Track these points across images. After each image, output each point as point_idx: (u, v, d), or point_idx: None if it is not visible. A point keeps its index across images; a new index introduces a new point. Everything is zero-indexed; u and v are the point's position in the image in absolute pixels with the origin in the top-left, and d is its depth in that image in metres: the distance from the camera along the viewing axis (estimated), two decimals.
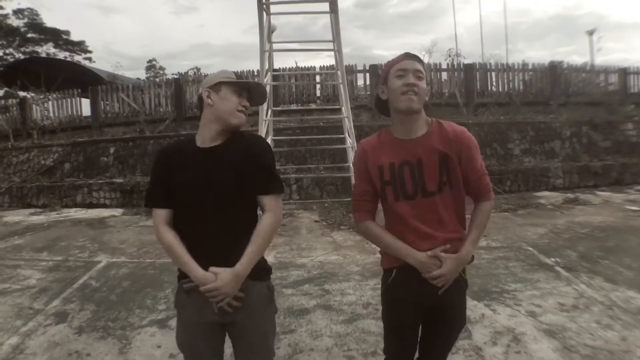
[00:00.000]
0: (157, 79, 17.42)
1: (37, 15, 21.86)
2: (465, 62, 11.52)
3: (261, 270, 1.57)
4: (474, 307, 3.10)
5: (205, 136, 1.53)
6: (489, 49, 44.10)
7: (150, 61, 23.65)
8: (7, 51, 21.40)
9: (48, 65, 14.63)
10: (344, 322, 2.96)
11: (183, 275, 1.52)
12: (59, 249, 5.24)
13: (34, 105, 12.19)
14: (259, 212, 1.56)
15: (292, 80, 10.86)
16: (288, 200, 7.40)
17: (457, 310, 1.61)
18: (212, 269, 1.43)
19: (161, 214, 1.52)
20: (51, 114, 11.99)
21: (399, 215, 1.53)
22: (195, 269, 1.44)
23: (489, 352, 2.50)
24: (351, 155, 6.29)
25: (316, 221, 6.22)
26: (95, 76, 13.31)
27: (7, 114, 12.27)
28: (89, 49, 23.51)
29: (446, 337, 1.64)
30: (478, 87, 11.12)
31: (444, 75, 11.17)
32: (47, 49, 22.15)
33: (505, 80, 11.32)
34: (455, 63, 11.58)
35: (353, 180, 4.12)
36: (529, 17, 51.87)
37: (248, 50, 68.39)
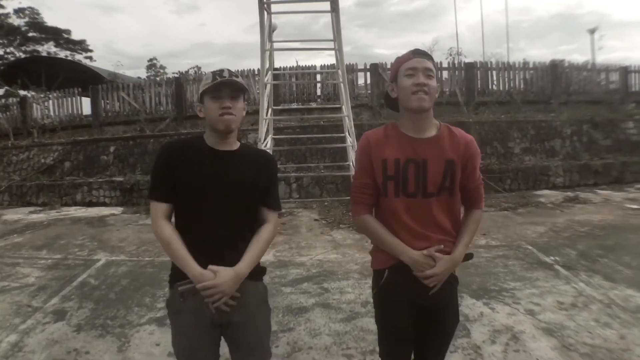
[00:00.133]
0: (158, 78, 17.45)
1: (38, 14, 21.99)
2: (466, 60, 11.51)
3: (257, 270, 1.58)
4: (472, 306, 3.10)
5: (211, 140, 1.54)
6: (490, 47, 44.14)
7: (151, 60, 23.81)
8: (8, 50, 21.49)
9: (49, 64, 14.66)
10: (342, 321, 2.96)
11: (176, 278, 1.49)
12: (58, 247, 5.24)
13: (34, 104, 12.19)
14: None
15: (293, 79, 10.85)
16: (288, 199, 7.40)
17: (451, 308, 1.61)
18: (211, 267, 1.42)
19: (160, 208, 1.49)
20: (51, 113, 12.00)
21: (395, 212, 1.52)
22: (192, 266, 1.41)
23: (488, 350, 2.50)
24: (351, 154, 6.29)
25: (316, 220, 6.22)
26: (96, 75, 13.34)
27: (8, 113, 12.27)
28: (90, 48, 23.70)
29: (444, 336, 1.64)
30: (479, 86, 11.10)
31: (445, 74, 11.15)
32: (47, 48, 22.27)
33: (506, 79, 11.29)
34: (456, 62, 11.55)
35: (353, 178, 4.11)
36: (530, 16, 51.94)
37: (249, 49, 68.66)
